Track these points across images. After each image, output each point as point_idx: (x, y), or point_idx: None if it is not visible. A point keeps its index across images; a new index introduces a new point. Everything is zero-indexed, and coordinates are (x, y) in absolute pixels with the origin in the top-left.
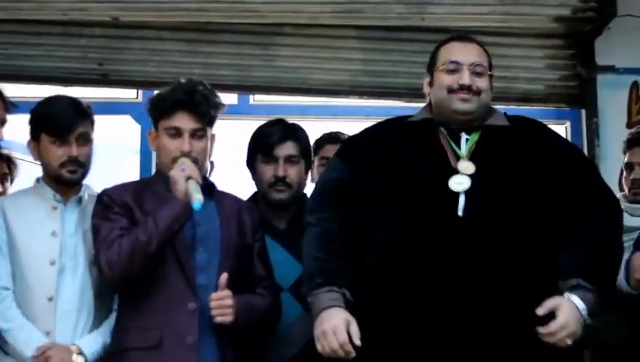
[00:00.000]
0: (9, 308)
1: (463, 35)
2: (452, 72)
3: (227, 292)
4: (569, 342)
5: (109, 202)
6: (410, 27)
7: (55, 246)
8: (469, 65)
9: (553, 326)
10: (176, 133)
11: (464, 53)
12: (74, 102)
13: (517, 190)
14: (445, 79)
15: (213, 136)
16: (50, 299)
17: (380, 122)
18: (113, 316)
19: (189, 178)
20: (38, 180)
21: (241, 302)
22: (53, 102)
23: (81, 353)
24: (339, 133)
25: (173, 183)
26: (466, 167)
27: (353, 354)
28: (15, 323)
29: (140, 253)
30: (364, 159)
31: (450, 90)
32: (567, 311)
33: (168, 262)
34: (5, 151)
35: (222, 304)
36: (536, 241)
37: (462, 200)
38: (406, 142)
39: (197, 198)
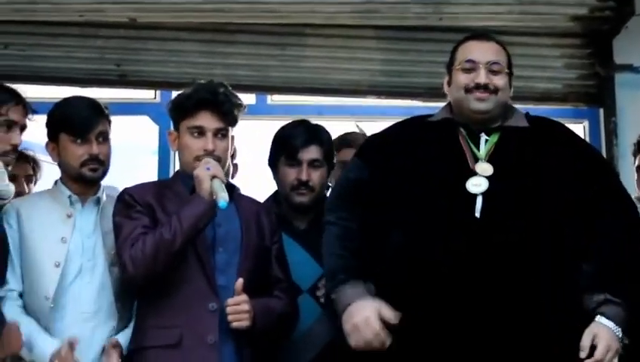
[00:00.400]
0: (10, 307)
1: (481, 34)
2: (468, 70)
3: (243, 297)
4: (615, 361)
5: (130, 201)
6: (428, 27)
7: (62, 250)
8: (485, 64)
9: (597, 356)
10: (200, 132)
11: (481, 51)
12: (92, 102)
13: (534, 192)
14: (462, 78)
15: (232, 137)
16: (50, 300)
17: (401, 121)
18: None
19: (213, 177)
20: (56, 183)
21: (259, 306)
22: (71, 102)
23: (117, 345)
24: (353, 133)
25: (199, 182)
26: (485, 168)
27: (388, 342)
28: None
29: (164, 251)
30: (382, 159)
31: (467, 90)
32: (604, 336)
33: (189, 262)
34: (30, 153)
35: (238, 309)
36: (553, 243)
37: (479, 201)
38: (425, 143)
39: (222, 197)
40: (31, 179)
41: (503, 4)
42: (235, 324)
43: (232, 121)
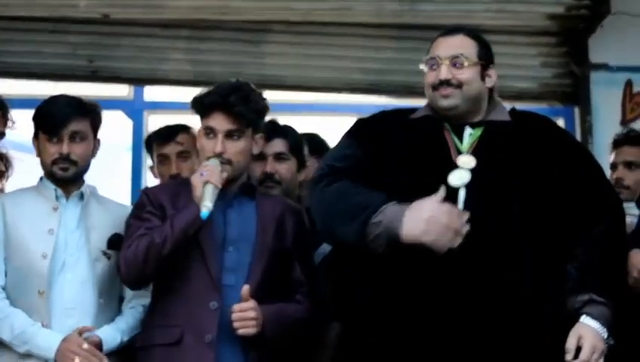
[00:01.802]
0: None
1: (451, 28)
2: (433, 68)
3: (249, 304)
4: (601, 361)
5: (144, 201)
6: (404, 25)
7: (50, 242)
8: (446, 59)
9: (582, 357)
10: (212, 133)
11: (443, 47)
12: (72, 101)
13: (518, 185)
14: (428, 76)
15: (259, 137)
16: (41, 293)
17: (387, 112)
18: (127, 314)
19: (206, 183)
20: (41, 178)
21: (270, 312)
22: (51, 100)
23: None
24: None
25: (192, 188)
26: (467, 161)
27: (466, 215)
28: (0, 315)
29: (153, 254)
30: (375, 145)
31: (434, 87)
32: (589, 337)
33: (194, 260)
34: (2, 150)
35: (243, 316)
36: (536, 236)
37: (462, 193)
38: (409, 137)
39: (205, 206)
40: (2, 174)
41: (480, 3)
42: (240, 331)
43: (249, 123)
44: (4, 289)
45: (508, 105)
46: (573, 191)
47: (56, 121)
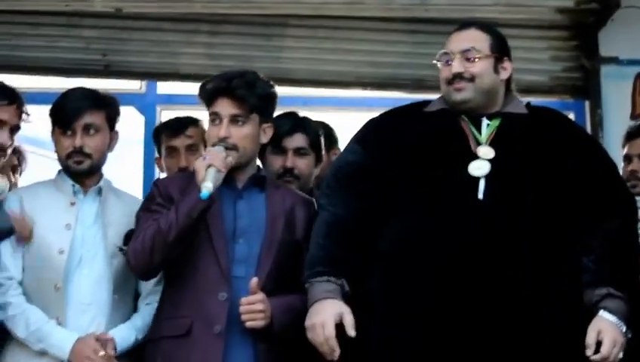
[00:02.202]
0: (12, 296)
1: (464, 23)
2: (446, 63)
3: (258, 297)
4: (621, 355)
5: (154, 192)
6: (414, 18)
7: (67, 237)
8: (458, 53)
9: (604, 351)
10: (217, 118)
11: (456, 41)
12: (87, 93)
13: (533, 176)
14: (442, 72)
15: (268, 127)
16: (57, 288)
17: (396, 109)
18: (143, 311)
19: (209, 166)
20: (59, 172)
21: (278, 304)
22: (67, 93)
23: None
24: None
25: (195, 172)
26: (486, 152)
27: (337, 351)
28: (16, 310)
29: (159, 241)
30: (383, 145)
31: (449, 82)
32: (609, 331)
33: (204, 252)
34: (16, 144)
35: (252, 309)
36: (548, 227)
37: (482, 183)
38: (426, 130)
39: (205, 187)
40: (16, 169)
41: None
42: (249, 324)
43: (253, 108)
44: (20, 284)
45: (523, 100)
46: (586, 185)
47: (69, 113)
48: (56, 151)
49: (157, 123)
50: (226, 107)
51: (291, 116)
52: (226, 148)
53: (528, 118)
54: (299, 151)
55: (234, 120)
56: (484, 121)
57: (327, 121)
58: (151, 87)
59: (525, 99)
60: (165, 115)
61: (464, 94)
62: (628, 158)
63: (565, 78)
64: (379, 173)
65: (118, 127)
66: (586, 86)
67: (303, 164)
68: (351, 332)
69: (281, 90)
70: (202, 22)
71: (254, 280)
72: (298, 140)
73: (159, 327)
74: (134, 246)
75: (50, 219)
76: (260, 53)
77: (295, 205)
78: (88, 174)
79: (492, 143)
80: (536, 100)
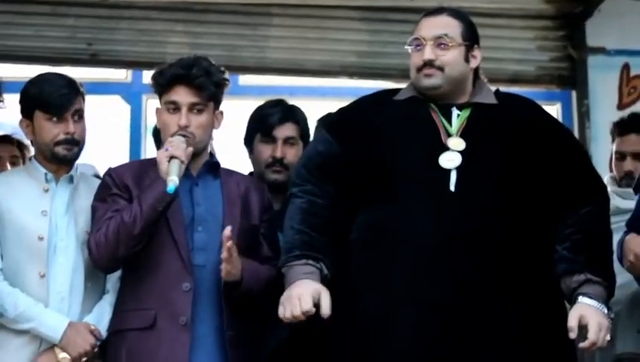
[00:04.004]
0: None
1: (435, 9)
2: (417, 48)
3: (234, 249)
4: (608, 338)
5: (108, 182)
6: (400, 8)
7: (44, 224)
8: (430, 39)
9: (592, 337)
10: (175, 107)
11: (427, 27)
12: (68, 79)
13: (506, 167)
14: (413, 58)
15: (219, 113)
16: (42, 276)
17: (368, 96)
18: (108, 297)
19: (171, 158)
20: (30, 159)
21: (248, 264)
22: (47, 79)
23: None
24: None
25: (158, 163)
26: (457, 143)
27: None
28: (1, 293)
29: (125, 234)
30: (352, 135)
31: (418, 69)
32: (592, 316)
33: (164, 242)
34: (16, 136)
35: (232, 253)
36: (527, 215)
37: (453, 175)
38: (396, 119)
39: (171, 180)
40: (17, 161)
41: None
42: (224, 267)
43: (210, 96)
44: (1, 270)
45: (492, 87)
46: (558, 173)
47: (62, 100)
48: (38, 138)
49: (143, 111)
50: (184, 95)
51: (281, 104)
52: (185, 137)
53: (498, 107)
54: (288, 141)
55: (192, 108)
56: (454, 112)
57: (313, 111)
58: (137, 77)
59: (512, 89)
60: (151, 103)
61: (433, 80)
62: (620, 155)
63: (552, 68)
64: (350, 162)
65: (104, 115)
66: (572, 76)
67: (291, 154)
68: (326, 311)
69: (266, 80)
70: (188, 11)
71: (228, 228)
72: (289, 129)
73: (122, 319)
74: (97, 238)
75: (25, 205)
76: (245, 42)
77: (249, 190)
78: (71, 161)
79: (462, 134)
80: (522, 90)
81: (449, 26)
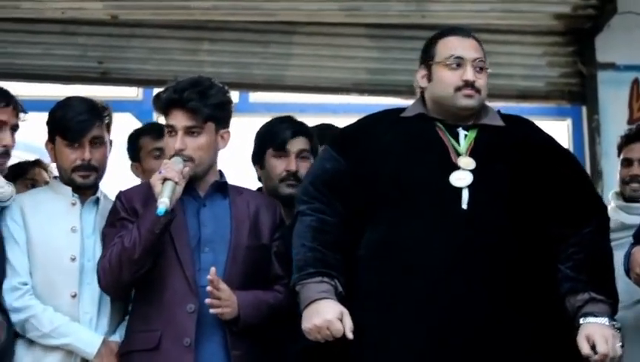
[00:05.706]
0: (29, 300)
1: (460, 28)
2: (455, 67)
3: (222, 286)
4: (619, 344)
5: (118, 207)
6: (411, 25)
7: (75, 242)
8: (471, 61)
9: (601, 349)
10: (173, 131)
11: (466, 48)
12: (89, 105)
13: (515, 186)
14: (449, 76)
15: (225, 133)
16: (73, 296)
17: (374, 114)
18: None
19: (165, 180)
20: (55, 178)
21: (245, 296)
22: (69, 104)
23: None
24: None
25: (152, 187)
26: (468, 162)
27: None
28: (37, 310)
29: (125, 259)
30: (359, 153)
31: (457, 88)
32: (596, 331)
33: (170, 263)
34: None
35: (217, 294)
36: (534, 234)
37: (465, 194)
38: (404, 137)
39: (162, 203)
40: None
41: (486, 3)
42: (213, 310)
43: (207, 118)
44: (32, 288)
45: (505, 106)
46: (561, 194)
47: (78, 127)
48: (58, 162)
49: None
50: (179, 119)
51: (290, 120)
52: (184, 161)
53: (503, 129)
54: (301, 154)
55: (188, 131)
56: (462, 132)
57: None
58: (148, 94)
59: (522, 105)
60: (162, 121)
61: (472, 102)
62: (627, 161)
63: (562, 84)
64: (357, 179)
65: (115, 133)
66: (582, 92)
67: (304, 168)
68: (349, 334)
69: (277, 97)
70: (200, 29)
71: (212, 270)
72: (301, 143)
73: (130, 341)
74: (102, 265)
75: (54, 221)
76: (257, 60)
77: (260, 208)
78: (89, 188)
79: (470, 154)
80: (532, 106)
81: (479, 50)
